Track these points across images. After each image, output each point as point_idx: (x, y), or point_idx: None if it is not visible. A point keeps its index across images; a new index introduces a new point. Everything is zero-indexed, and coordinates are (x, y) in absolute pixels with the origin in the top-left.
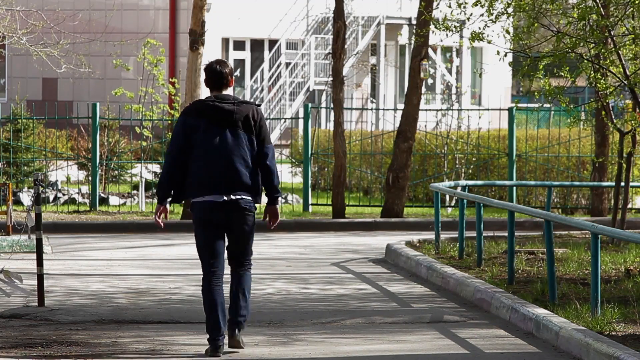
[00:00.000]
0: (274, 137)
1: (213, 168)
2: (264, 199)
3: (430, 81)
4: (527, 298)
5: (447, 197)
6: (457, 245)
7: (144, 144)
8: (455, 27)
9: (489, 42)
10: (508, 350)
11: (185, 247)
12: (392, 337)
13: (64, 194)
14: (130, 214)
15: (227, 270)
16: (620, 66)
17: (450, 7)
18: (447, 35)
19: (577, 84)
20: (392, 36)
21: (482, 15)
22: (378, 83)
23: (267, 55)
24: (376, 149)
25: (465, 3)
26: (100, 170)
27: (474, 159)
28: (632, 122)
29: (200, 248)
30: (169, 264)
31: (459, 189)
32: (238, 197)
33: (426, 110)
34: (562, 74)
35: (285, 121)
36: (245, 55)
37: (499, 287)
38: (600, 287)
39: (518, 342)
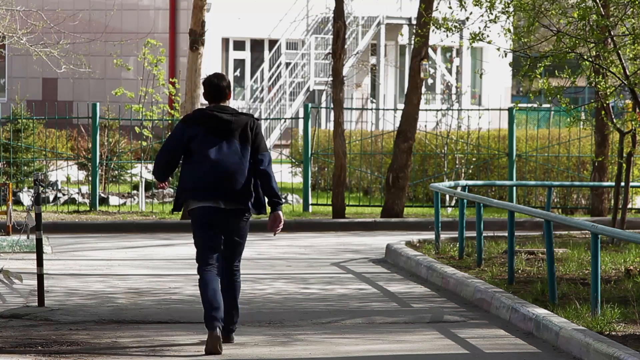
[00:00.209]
0: (274, 137)
1: (210, 176)
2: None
3: (430, 81)
4: (527, 298)
5: (447, 197)
6: (457, 245)
7: (144, 144)
8: (455, 27)
9: (489, 42)
10: (508, 350)
11: (185, 247)
12: (392, 337)
13: (64, 194)
14: (130, 214)
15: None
16: (620, 66)
17: (450, 8)
18: (447, 35)
19: (577, 84)
20: (392, 36)
21: (482, 15)
22: (378, 83)
23: (267, 55)
24: (376, 149)
25: (465, 3)
26: (100, 170)
27: (474, 159)
28: (632, 122)
29: (198, 243)
30: (169, 264)
31: (459, 189)
32: (234, 205)
33: (426, 110)
34: (563, 75)
35: (285, 121)
36: (245, 55)
37: (499, 287)
38: (600, 287)
39: (518, 342)
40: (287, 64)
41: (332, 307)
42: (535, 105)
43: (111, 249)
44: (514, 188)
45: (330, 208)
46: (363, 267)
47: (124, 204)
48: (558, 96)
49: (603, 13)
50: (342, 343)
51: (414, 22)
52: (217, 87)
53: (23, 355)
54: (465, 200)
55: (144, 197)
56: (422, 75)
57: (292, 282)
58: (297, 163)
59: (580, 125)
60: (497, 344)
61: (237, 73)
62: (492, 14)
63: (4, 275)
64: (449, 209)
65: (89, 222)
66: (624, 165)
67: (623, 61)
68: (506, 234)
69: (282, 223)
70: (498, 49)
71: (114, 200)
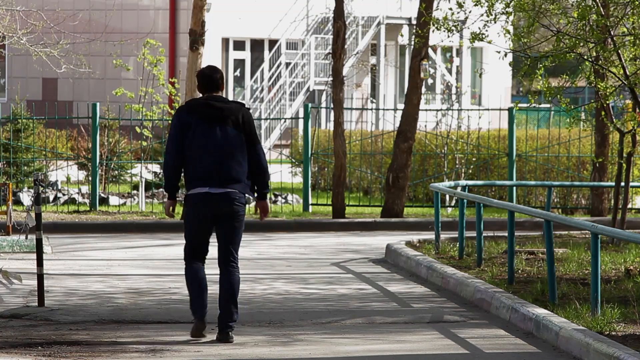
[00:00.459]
0: (274, 137)
1: (204, 162)
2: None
3: (430, 81)
4: (527, 298)
5: (447, 197)
6: (457, 245)
7: (144, 144)
8: (455, 27)
9: (489, 42)
10: (508, 350)
11: None
12: (392, 337)
13: (64, 194)
14: (130, 214)
15: (216, 271)
16: (620, 66)
17: (451, 9)
18: (447, 35)
19: (577, 84)
20: (392, 36)
21: (482, 15)
22: (378, 83)
23: (267, 55)
24: (376, 149)
25: (464, 2)
26: (100, 170)
27: (474, 159)
28: (632, 122)
29: (188, 235)
30: (169, 264)
31: (459, 189)
32: (228, 189)
33: (426, 110)
34: (563, 76)
35: (285, 121)
36: (245, 55)
37: (499, 287)
38: (600, 287)
39: (518, 342)
40: (287, 64)
41: (332, 307)
42: (535, 105)
43: (111, 249)
44: (514, 188)
45: (330, 208)
46: (363, 267)
47: (124, 204)
48: (558, 96)
49: (603, 13)
50: (342, 343)
51: (414, 22)
52: (209, 78)
53: (23, 355)
54: (465, 200)
55: (144, 197)
56: (422, 75)
57: (292, 282)
58: (297, 163)
59: (580, 126)
60: (497, 344)
61: (237, 73)
62: (491, 14)
63: (3, 275)
64: (449, 209)
65: (89, 222)
66: (624, 165)
67: (623, 61)
68: (506, 234)
69: (269, 211)
70: (498, 52)
71: (114, 200)
